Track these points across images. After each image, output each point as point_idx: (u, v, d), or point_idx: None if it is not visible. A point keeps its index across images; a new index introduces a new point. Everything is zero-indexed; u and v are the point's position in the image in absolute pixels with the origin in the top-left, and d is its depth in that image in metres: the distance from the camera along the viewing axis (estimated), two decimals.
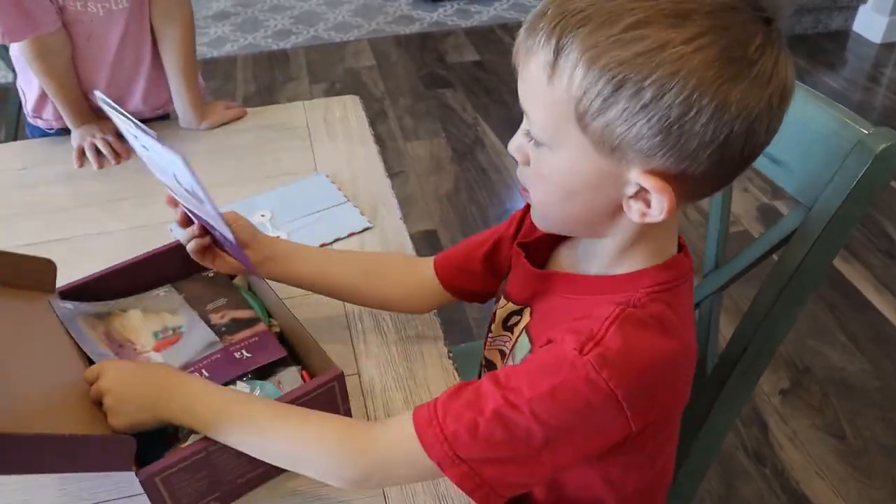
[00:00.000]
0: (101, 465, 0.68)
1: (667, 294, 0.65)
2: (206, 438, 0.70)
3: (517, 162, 0.67)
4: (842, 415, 1.75)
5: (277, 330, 0.87)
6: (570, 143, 0.60)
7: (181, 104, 1.38)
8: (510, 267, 0.82)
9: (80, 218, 1.18)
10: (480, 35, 3.68)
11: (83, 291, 0.89)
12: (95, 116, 1.36)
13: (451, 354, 0.87)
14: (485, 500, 0.62)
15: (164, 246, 0.94)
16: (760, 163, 0.86)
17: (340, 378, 0.75)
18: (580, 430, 0.61)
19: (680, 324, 0.65)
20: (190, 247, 0.86)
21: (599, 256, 0.69)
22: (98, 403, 0.72)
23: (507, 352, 0.78)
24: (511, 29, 3.73)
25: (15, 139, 1.73)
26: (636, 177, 0.58)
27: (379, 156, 1.27)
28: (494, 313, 0.83)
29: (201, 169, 0.67)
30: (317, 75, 3.36)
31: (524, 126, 0.65)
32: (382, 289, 0.90)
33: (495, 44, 3.59)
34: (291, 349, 0.85)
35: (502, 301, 0.81)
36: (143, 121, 1.36)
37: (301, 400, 0.72)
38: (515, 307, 0.78)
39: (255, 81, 3.33)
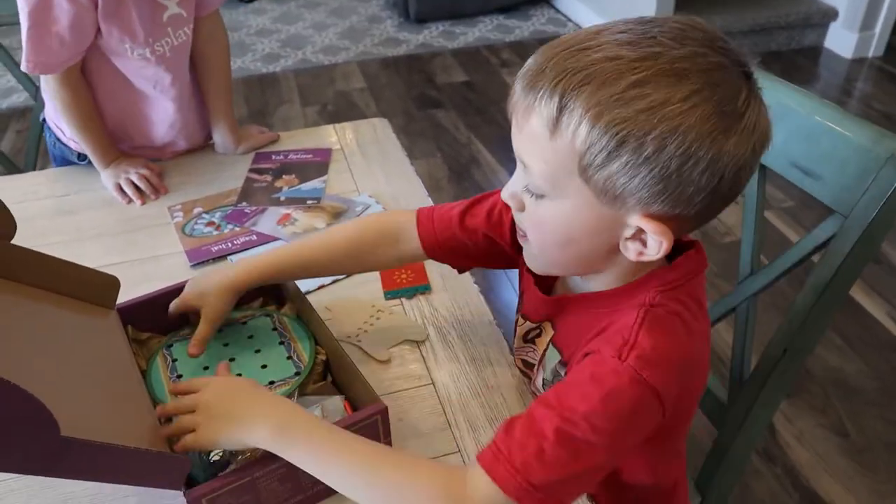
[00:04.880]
0: (153, 480, 0.70)
1: (676, 292, 0.70)
2: (254, 464, 0.72)
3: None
4: (844, 414, 1.82)
5: (324, 358, 0.89)
6: (572, 194, 0.64)
7: (220, 129, 1.40)
8: (522, 287, 0.87)
9: (129, 242, 1.20)
10: (467, 56, 3.76)
11: (138, 310, 0.92)
12: (120, 154, 1.36)
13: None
14: None
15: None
16: (794, 176, 0.93)
17: (384, 413, 0.76)
18: (631, 428, 0.65)
19: (694, 320, 0.70)
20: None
21: (605, 279, 0.74)
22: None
23: (535, 362, 0.83)
24: (497, 50, 3.81)
25: (34, 168, 1.75)
26: (636, 221, 0.64)
27: (417, 176, 1.33)
28: (515, 328, 0.89)
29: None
30: (308, 98, 3.40)
31: (519, 175, 0.69)
32: (365, 265, 0.98)
33: (483, 64, 3.68)
34: (335, 378, 0.88)
35: (521, 320, 0.86)
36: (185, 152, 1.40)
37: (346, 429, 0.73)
38: (533, 325, 0.83)
39: (246, 105, 3.36)
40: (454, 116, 3.20)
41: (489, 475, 0.63)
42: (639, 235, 0.65)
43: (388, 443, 0.79)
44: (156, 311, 0.93)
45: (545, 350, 0.81)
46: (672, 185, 0.61)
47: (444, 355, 0.94)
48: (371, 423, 0.75)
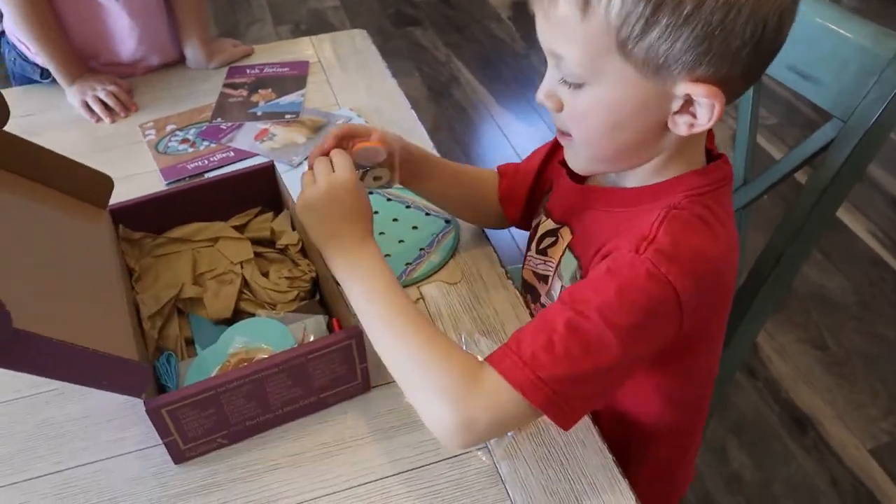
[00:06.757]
0: (115, 385, 0.67)
1: (704, 197, 0.67)
2: (217, 379, 0.70)
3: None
4: (823, 328, 1.85)
5: (314, 275, 0.87)
6: (612, 74, 0.61)
7: (192, 43, 1.33)
8: (550, 187, 0.85)
9: (99, 163, 1.15)
10: None
11: (131, 211, 0.89)
12: (87, 69, 1.30)
13: (509, 276, 0.90)
14: (565, 420, 0.63)
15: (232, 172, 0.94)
16: (788, 79, 0.90)
17: (359, 336, 0.74)
18: (647, 329, 0.63)
19: (720, 225, 0.67)
20: None
21: (639, 172, 0.71)
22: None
23: (549, 273, 0.81)
24: None
25: None
26: (683, 89, 0.60)
27: (398, 88, 1.28)
28: (535, 230, 0.86)
29: None
30: (280, 17, 3.28)
31: (551, 71, 0.66)
32: (478, 213, 0.97)
33: None
34: (322, 297, 0.86)
35: (542, 217, 0.84)
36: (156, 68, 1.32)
37: (315, 353, 0.73)
38: (553, 225, 0.81)
39: (216, 24, 3.23)
40: (432, 35, 3.11)
41: (496, 369, 0.62)
42: (687, 108, 0.62)
43: (365, 367, 0.76)
44: (149, 213, 0.90)
45: (561, 257, 0.78)
46: (716, 42, 0.57)
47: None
48: (346, 346, 0.74)
